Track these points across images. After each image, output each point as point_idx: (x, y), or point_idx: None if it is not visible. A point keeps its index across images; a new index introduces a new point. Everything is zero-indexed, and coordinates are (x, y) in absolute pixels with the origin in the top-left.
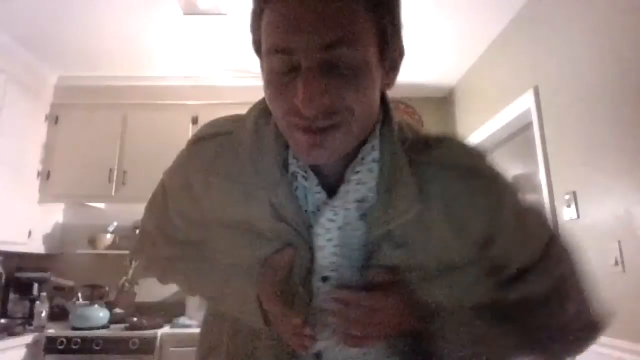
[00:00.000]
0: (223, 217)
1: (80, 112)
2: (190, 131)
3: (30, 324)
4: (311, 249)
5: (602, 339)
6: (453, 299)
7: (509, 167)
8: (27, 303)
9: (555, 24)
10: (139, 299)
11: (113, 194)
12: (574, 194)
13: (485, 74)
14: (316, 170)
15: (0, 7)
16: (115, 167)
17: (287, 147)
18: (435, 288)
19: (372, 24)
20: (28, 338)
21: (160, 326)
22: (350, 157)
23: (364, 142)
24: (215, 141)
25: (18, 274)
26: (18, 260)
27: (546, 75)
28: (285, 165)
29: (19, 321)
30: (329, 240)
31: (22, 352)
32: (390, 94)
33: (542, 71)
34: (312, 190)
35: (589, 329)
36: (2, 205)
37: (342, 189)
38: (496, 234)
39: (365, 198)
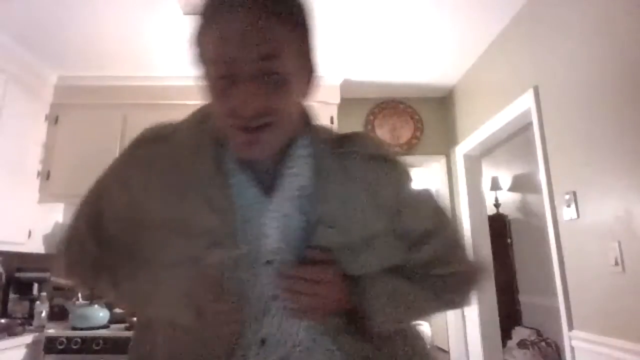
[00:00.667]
0: (160, 215)
1: (80, 112)
2: None
3: (30, 324)
4: (248, 239)
5: (602, 339)
6: (376, 266)
7: (509, 167)
8: (27, 303)
9: (556, 24)
10: None
11: None
12: (574, 194)
13: (485, 74)
14: (250, 168)
15: (0, 7)
16: None
17: (223, 146)
18: (362, 258)
19: (294, 43)
20: (28, 338)
21: None
22: (278, 157)
23: (289, 143)
24: (157, 142)
25: (18, 274)
26: (18, 260)
27: (546, 75)
28: (221, 164)
29: (19, 321)
30: (277, 227)
31: (22, 352)
32: (391, 93)
33: (542, 71)
34: (246, 185)
35: (474, 277)
36: (2, 205)
37: (279, 182)
38: (401, 205)
39: (303, 187)
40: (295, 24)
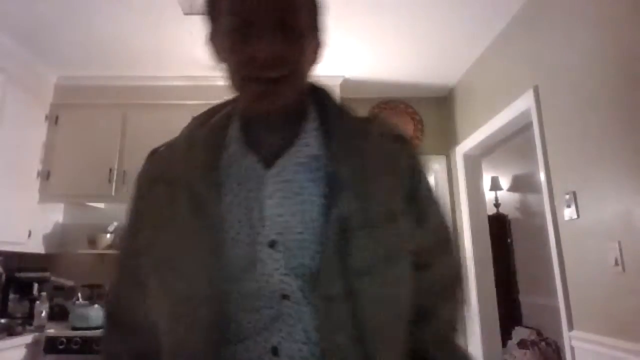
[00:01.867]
0: (163, 217)
1: (80, 112)
2: None
3: (30, 324)
4: (248, 217)
5: (602, 339)
6: (399, 243)
7: (509, 167)
8: (27, 303)
9: (556, 24)
10: None
11: (113, 194)
12: (574, 194)
13: (485, 74)
14: (256, 147)
15: (0, 7)
16: (115, 167)
17: (219, 143)
18: (384, 233)
19: (306, 5)
20: (28, 338)
21: None
22: (287, 131)
23: (297, 110)
24: (161, 151)
25: (18, 274)
26: (18, 260)
27: (546, 75)
28: (219, 149)
29: (19, 321)
30: (278, 190)
31: (22, 352)
32: (391, 93)
33: (542, 71)
34: (253, 165)
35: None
36: (2, 205)
37: (290, 150)
38: (416, 185)
39: (314, 157)
40: None
